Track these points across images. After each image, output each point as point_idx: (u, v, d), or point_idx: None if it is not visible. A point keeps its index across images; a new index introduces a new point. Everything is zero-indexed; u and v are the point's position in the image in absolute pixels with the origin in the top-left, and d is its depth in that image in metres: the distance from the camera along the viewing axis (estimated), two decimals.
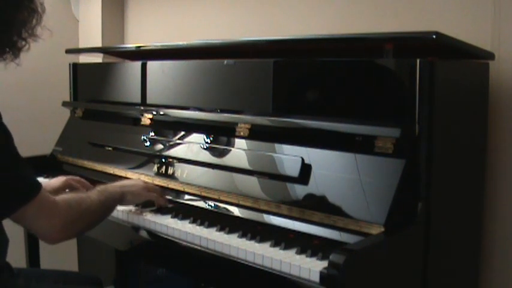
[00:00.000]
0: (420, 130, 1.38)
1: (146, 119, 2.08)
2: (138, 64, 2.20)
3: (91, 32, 3.04)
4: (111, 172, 2.07)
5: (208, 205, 1.71)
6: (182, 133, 1.94)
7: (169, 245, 1.61)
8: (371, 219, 1.33)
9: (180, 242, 1.57)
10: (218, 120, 1.81)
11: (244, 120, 1.73)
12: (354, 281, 1.19)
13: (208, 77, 1.92)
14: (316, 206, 1.44)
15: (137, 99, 2.18)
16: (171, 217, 1.69)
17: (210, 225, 1.59)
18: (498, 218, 1.73)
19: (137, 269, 2.46)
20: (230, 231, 1.53)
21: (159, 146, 1.96)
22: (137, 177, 1.94)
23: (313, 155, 1.52)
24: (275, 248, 1.41)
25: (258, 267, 1.36)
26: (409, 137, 1.38)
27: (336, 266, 1.15)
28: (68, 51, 2.58)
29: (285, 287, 1.32)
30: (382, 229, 1.31)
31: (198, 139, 1.85)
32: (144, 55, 2.39)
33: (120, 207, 1.73)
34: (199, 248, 1.51)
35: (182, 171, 1.82)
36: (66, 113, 2.53)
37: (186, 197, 1.79)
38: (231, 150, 1.73)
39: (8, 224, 1.40)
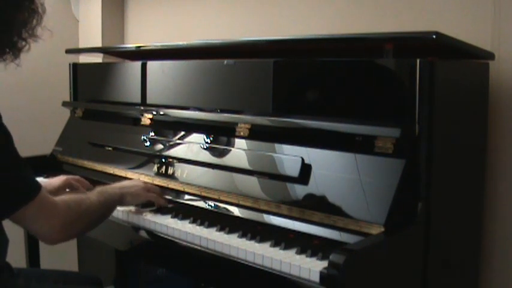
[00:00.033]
0: (420, 130, 1.38)
1: (146, 119, 2.08)
2: (138, 64, 2.20)
3: (91, 32, 3.04)
4: (111, 172, 2.07)
5: (208, 205, 1.71)
6: (182, 133, 1.94)
7: (169, 245, 1.61)
8: (371, 219, 1.33)
9: (180, 242, 1.57)
10: (218, 120, 1.81)
11: (244, 120, 1.73)
12: (354, 281, 1.19)
13: (208, 77, 1.92)
14: (316, 206, 1.44)
15: (137, 99, 2.18)
16: (171, 217, 1.69)
17: (210, 225, 1.59)
18: (498, 218, 1.73)
19: (137, 269, 2.47)
20: (230, 231, 1.53)
21: (159, 146, 1.96)
22: (137, 177, 1.94)
23: (313, 155, 1.52)
24: (275, 248, 1.41)
25: (258, 267, 1.36)
26: (409, 137, 1.38)
27: (336, 266, 1.15)
28: (68, 51, 2.58)
29: (285, 287, 1.32)
30: (382, 229, 1.31)
31: (198, 139, 1.85)
32: (144, 55, 2.39)
33: (120, 207, 1.73)
34: (199, 248, 1.51)
35: (182, 171, 1.82)
36: (66, 113, 2.53)
37: (186, 197, 1.79)
38: (231, 150, 1.73)
39: (8, 224, 1.40)
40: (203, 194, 1.73)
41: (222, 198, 1.67)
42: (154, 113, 2.04)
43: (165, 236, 1.61)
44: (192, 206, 1.76)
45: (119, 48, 2.65)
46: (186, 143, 1.89)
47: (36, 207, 1.34)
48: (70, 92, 2.54)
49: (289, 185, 1.53)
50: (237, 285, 1.50)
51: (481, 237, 1.73)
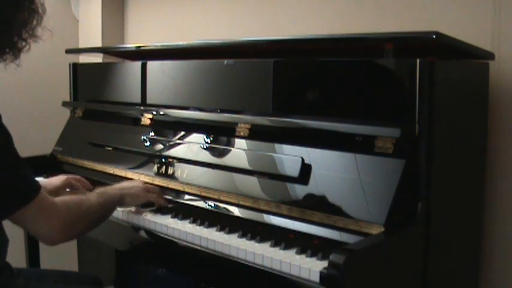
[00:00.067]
0: (420, 130, 1.38)
1: (146, 119, 2.08)
2: (138, 64, 2.20)
3: (91, 32, 3.04)
4: (111, 172, 2.07)
5: (208, 205, 1.71)
6: (182, 133, 1.94)
7: (169, 245, 1.61)
8: (371, 219, 1.33)
9: (180, 242, 1.57)
10: (218, 120, 1.81)
11: (244, 120, 1.73)
12: (354, 281, 1.19)
13: (208, 77, 1.92)
14: (316, 206, 1.44)
15: (137, 99, 2.18)
16: (171, 217, 1.69)
17: (210, 225, 1.59)
18: (498, 218, 1.73)
19: (137, 269, 2.47)
20: (230, 231, 1.53)
21: (159, 146, 1.96)
22: (137, 177, 1.94)
23: (313, 155, 1.52)
24: (275, 248, 1.41)
25: (258, 267, 1.36)
26: (409, 137, 1.38)
27: (336, 266, 1.15)
28: (68, 51, 2.58)
29: (285, 287, 1.32)
30: (382, 229, 1.31)
31: (198, 139, 1.85)
32: (144, 55, 2.39)
33: (120, 208, 1.73)
34: (199, 248, 1.51)
35: (182, 171, 1.82)
36: (66, 113, 2.53)
37: (186, 197, 1.79)
38: (231, 150, 1.73)
39: (8, 224, 1.40)
40: (203, 194, 1.73)
41: (222, 198, 1.67)
42: (154, 113, 2.04)
43: (165, 236, 1.61)
44: (192, 206, 1.76)
45: (119, 48, 2.65)
46: (186, 143, 1.89)
47: (35, 208, 1.34)
48: (70, 92, 2.54)
49: (289, 185, 1.53)
50: (237, 285, 1.50)
51: (481, 237, 1.73)
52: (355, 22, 2.04)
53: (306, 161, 1.52)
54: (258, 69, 1.78)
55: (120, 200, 1.67)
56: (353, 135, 1.46)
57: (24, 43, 1.39)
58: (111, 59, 2.64)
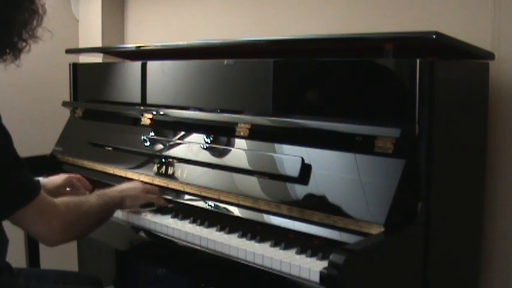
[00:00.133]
0: (420, 130, 1.38)
1: (146, 119, 2.08)
2: (138, 64, 2.20)
3: (91, 32, 3.04)
4: (111, 172, 2.07)
5: (208, 205, 1.71)
6: (182, 133, 1.94)
7: (169, 245, 1.61)
8: (371, 219, 1.33)
9: (180, 242, 1.57)
10: (218, 120, 1.81)
11: (244, 120, 1.73)
12: (354, 281, 1.19)
13: (208, 77, 1.92)
14: (316, 206, 1.44)
15: (137, 99, 2.18)
16: (171, 217, 1.69)
17: (210, 225, 1.59)
18: (498, 218, 1.73)
19: (137, 269, 2.47)
20: (230, 231, 1.53)
21: (159, 146, 1.96)
22: (137, 177, 1.94)
23: (313, 155, 1.52)
24: (275, 248, 1.41)
25: (258, 267, 1.36)
26: (409, 137, 1.38)
27: (336, 266, 1.15)
28: (68, 51, 2.58)
29: (285, 287, 1.32)
30: (382, 229, 1.31)
31: (198, 139, 1.85)
32: (144, 55, 2.39)
33: (120, 209, 1.73)
34: (199, 248, 1.51)
35: (182, 171, 1.82)
36: (66, 113, 2.53)
37: (186, 197, 1.79)
38: (231, 150, 1.73)
39: (8, 224, 1.40)
40: (203, 194, 1.73)
41: (222, 198, 1.67)
42: (154, 113, 2.04)
43: (165, 236, 1.61)
44: (192, 206, 1.76)
45: (119, 48, 2.65)
46: (186, 143, 1.89)
47: (35, 208, 1.34)
48: (70, 92, 2.54)
49: (289, 185, 1.53)
50: (237, 285, 1.50)
51: (481, 237, 1.73)
52: (355, 22, 2.04)
53: (306, 161, 1.52)
54: (258, 69, 1.78)
55: (121, 202, 1.67)
56: (353, 135, 1.46)
57: (24, 44, 1.39)
58: (111, 59, 2.64)
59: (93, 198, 1.56)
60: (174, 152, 1.90)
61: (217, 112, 1.83)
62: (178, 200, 1.80)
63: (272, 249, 1.40)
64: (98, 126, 2.29)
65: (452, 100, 1.49)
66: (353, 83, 1.55)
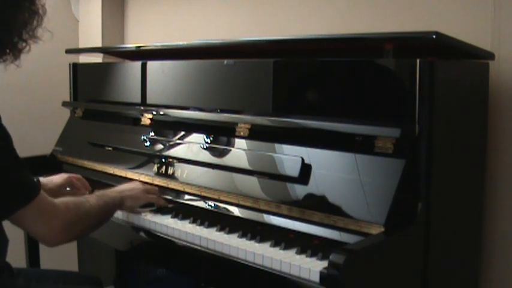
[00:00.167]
0: (420, 130, 1.38)
1: (146, 119, 2.08)
2: (138, 64, 2.20)
3: (91, 32, 3.04)
4: (111, 172, 2.07)
5: (208, 205, 1.71)
6: (182, 133, 1.94)
7: (169, 245, 1.61)
8: (371, 219, 1.33)
9: (180, 242, 1.57)
10: (218, 120, 1.81)
11: (244, 120, 1.73)
12: (354, 281, 1.19)
13: (208, 77, 1.92)
14: (316, 206, 1.44)
15: (137, 99, 2.18)
16: (171, 217, 1.69)
17: (210, 225, 1.59)
18: (498, 218, 1.73)
19: (137, 269, 2.47)
20: (230, 231, 1.53)
21: (159, 146, 1.96)
22: (137, 177, 1.94)
23: (313, 155, 1.52)
24: (275, 248, 1.41)
25: (258, 267, 1.36)
26: (409, 137, 1.38)
27: (336, 266, 1.15)
28: (68, 51, 2.58)
29: (285, 287, 1.32)
30: (382, 229, 1.31)
31: (198, 139, 1.85)
32: (144, 55, 2.39)
33: (120, 210, 1.73)
34: (199, 248, 1.51)
35: (182, 171, 1.82)
36: (66, 113, 2.53)
37: (186, 197, 1.79)
38: (231, 150, 1.73)
39: (8, 224, 1.40)
40: (203, 194, 1.73)
41: (222, 198, 1.67)
42: (154, 113, 2.04)
43: (165, 236, 1.61)
44: (192, 206, 1.76)
45: (119, 48, 2.65)
46: (186, 143, 1.89)
47: (35, 208, 1.34)
48: (70, 92, 2.54)
49: (289, 185, 1.53)
50: (237, 285, 1.50)
51: (481, 237, 1.73)
52: (355, 22, 2.04)
53: (306, 161, 1.52)
54: (258, 69, 1.78)
55: (121, 203, 1.67)
56: (353, 135, 1.46)
57: (24, 44, 1.39)
58: (111, 59, 2.64)
59: (93, 198, 1.56)
60: (174, 152, 1.90)
61: (217, 112, 1.83)
62: (178, 200, 1.80)
63: (272, 249, 1.40)
64: (98, 126, 2.29)
65: (452, 100, 1.49)
66: (353, 83, 1.55)
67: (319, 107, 1.62)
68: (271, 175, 1.58)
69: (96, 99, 2.43)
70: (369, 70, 1.51)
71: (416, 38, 1.46)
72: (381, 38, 1.55)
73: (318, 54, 1.82)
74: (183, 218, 1.67)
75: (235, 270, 1.44)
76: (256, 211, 1.58)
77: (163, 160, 1.91)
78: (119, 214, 1.74)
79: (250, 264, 1.38)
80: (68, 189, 1.90)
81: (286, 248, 1.39)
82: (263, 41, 1.83)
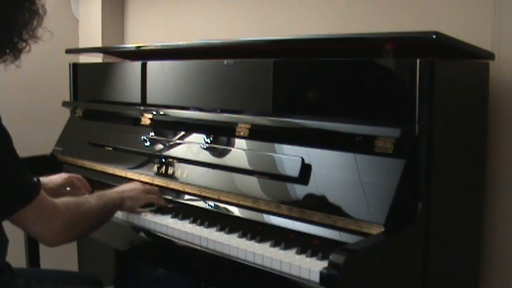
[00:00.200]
0: (420, 130, 1.38)
1: (146, 119, 2.08)
2: (138, 64, 2.20)
3: (91, 32, 3.04)
4: (111, 172, 2.07)
5: (208, 205, 1.71)
6: (182, 133, 1.94)
7: (169, 245, 1.61)
8: (371, 219, 1.33)
9: (180, 242, 1.57)
10: (218, 120, 1.81)
11: (244, 120, 1.73)
12: (354, 281, 1.19)
13: (208, 77, 1.92)
14: (316, 206, 1.44)
15: (137, 99, 2.18)
16: (171, 217, 1.69)
17: (210, 225, 1.59)
18: (498, 218, 1.73)
19: (137, 269, 2.47)
20: (230, 231, 1.53)
21: (159, 146, 1.96)
22: (137, 177, 1.94)
23: (313, 155, 1.52)
24: (275, 248, 1.41)
25: (258, 267, 1.36)
26: (409, 137, 1.38)
27: (336, 266, 1.15)
28: (68, 51, 2.58)
29: (285, 287, 1.32)
30: (382, 229, 1.31)
31: (198, 139, 1.85)
32: (144, 55, 2.39)
33: (120, 211, 1.73)
34: (199, 248, 1.51)
35: (182, 171, 1.82)
36: (66, 113, 2.53)
37: (186, 197, 1.79)
38: (231, 150, 1.73)
39: (8, 224, 1.40)
40: (203, 194, 1.73)
41: (222, 198, 1.67)
42: (154, 113, 2.04)
43: (165, 236, 1.61)
44: (192, 206, 1.76)
45: (119, 48, 2.65)
46: (186, 143, 1.89)
47: (35, 208, 1.34)
48: (70, 92, 2.54)
49: (289, 185, 1.53)
50: (237, 285, 1.50)
51: (481, 237, 1.73)
52: (355, 22, 2.04)
53: (306, 161, 1.52)
54: (258, 69, 1.78)
55: (121, 203, 1.67)
56: (353, 135, 1.46)
57: (24, 44, 1.39)
58: (111, 59, 2.64)
59: (93, 199, 1.56)
60: (174, 152, 1.90)
61: (217, 112, 1.83)
62: (178, 200, 1.80)
63: (272, 249, 1.40)
64: (98, 126, 2.29)
65: (452, 100, 1.49)
66: (353, 83, 1.55)
67: (319, 107, 1.62)
68: (271, 175, 1.58)
69: (96, 99, 2.43)
70: (369, 70, 1.51)
71: (416, 38, 1.46)
72: (381, 38, 1.55)
73: (318, 54, 1.82)
74: (183, 218, 1.67)
75: (235, 270, 1.44)
76: (256, 211, 1.58)
77: (163, 160, 1.91)
78: (119, 214, 1.74)
79: (250, 264, 1.38)
80: (68, 189, 1.90)
81: (286, 248, 1.39)
82: (263, 41, 1.83)
